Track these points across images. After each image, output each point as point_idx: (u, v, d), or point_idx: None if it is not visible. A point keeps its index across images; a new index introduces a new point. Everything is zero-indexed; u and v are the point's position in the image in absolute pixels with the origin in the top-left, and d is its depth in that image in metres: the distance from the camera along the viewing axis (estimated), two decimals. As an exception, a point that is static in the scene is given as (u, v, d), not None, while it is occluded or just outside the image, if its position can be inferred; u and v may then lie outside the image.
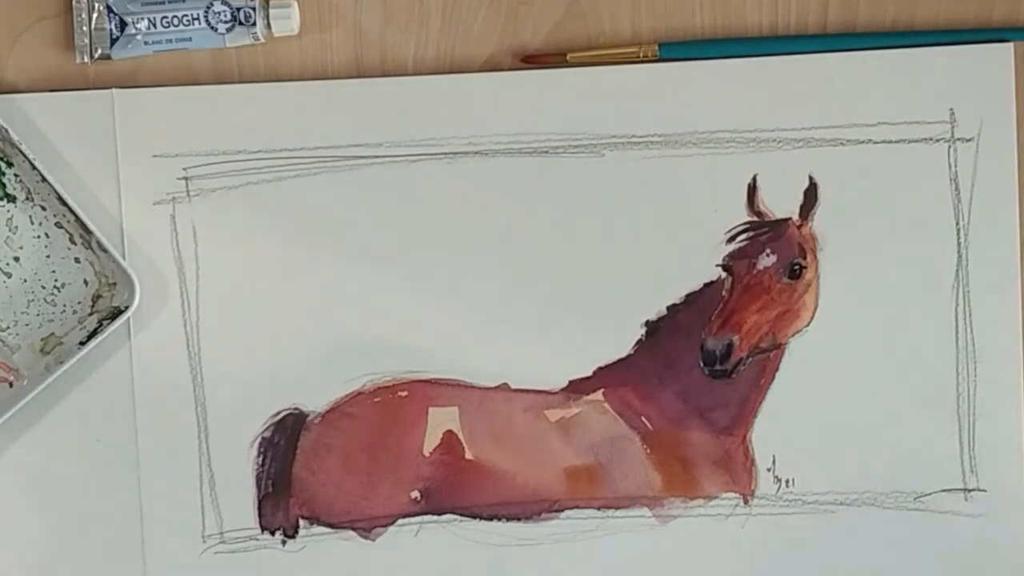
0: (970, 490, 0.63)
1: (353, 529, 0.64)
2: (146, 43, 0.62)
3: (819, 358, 0.63)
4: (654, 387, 0.63)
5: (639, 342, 0.63)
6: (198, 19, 0.62)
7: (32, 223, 0.63)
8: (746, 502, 0.63)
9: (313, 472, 0.63)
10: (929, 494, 0.63)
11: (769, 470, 0.63)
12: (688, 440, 0.63)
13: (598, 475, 0.63)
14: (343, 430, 0.63)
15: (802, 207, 0.63)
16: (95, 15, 0.62)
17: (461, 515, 0.63)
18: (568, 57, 0.62)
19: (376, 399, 0.63)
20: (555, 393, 0.63)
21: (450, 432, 0.63)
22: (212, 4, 0.62)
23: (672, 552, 0.64)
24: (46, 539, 0.63)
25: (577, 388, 0.63)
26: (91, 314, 0.63)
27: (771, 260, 0.63)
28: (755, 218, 0.63)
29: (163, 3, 0.62)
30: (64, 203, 0.60)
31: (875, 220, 0.63)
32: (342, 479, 0.64)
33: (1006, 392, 0.63)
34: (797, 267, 0.63)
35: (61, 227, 0.62)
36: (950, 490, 0.63)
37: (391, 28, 0.63)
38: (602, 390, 0.63)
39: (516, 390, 0.63)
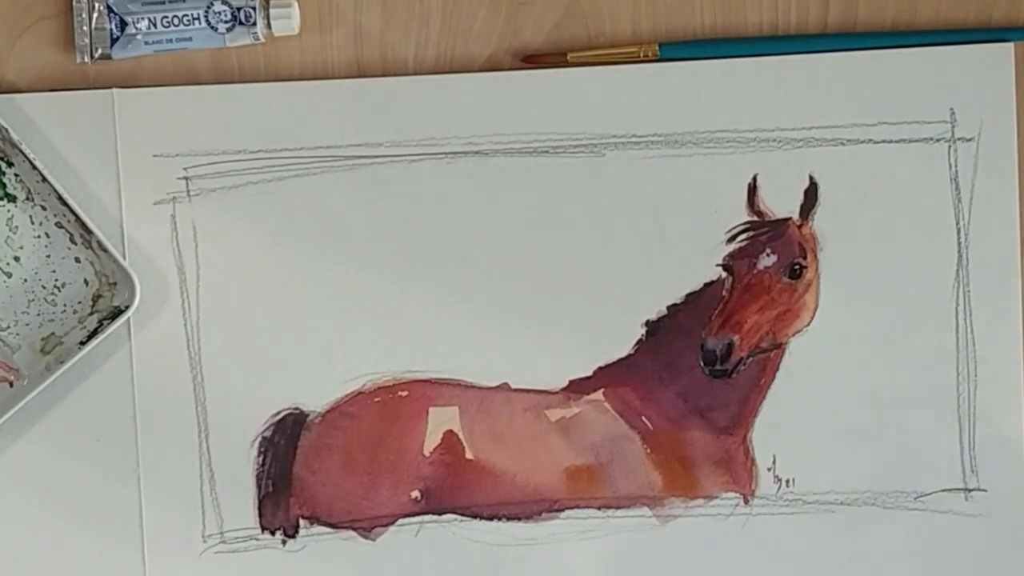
0: (970, 490, 0.63)
1: (353, 529, 0.64)
2: (146, 43, 0.62)
3: (819, 358, 0.63)
4: (654, 387, 0.63)
5: (639, 342, 0.63)
6: (198, 19, 0.62)
7: (32, 223, 0.62)
8: (746, 502, 0.63)
9: (313, 472, 0.63)
10: (929, 494, 0.63)
11: (769, 470, 0.63)
12: (688, 440, 0.63)
13: (598, 475, 0.63)
14: (343, 430, 0.63)
15: (802, 207, 0.63)
16: (95, 15, 0.62)
17: (461, 515, 0.63)
18: (568, 57, 0.62)
19: (376, 399, 0.63)
20: (555, 393, 0.63)
21: (450, 432, 0.63)
22: (212, 4, 0.62)
23: (672, 552, 0.63)
24: (46, 539, 0.63)
25: (577, 388, 0.63)
26: (91, 314, 0.63)
27: (771, 260, 0.63)
28: (755, 218, 0.63)
29: (163, 3, 0.62)
30: (64, 203, 0.60)
31: (875, 220, 0.63)
32: (342, 479, 0.63)
33: (1006, 392, 0.63)
34: (797, 267, 0.63)
35: (61, 227, 0.62)
36: (950, 490, 0.63)
37: (391, 28, 0.63)
38: (602, 390, 0.63)
39: (516, 390, 0.63)
